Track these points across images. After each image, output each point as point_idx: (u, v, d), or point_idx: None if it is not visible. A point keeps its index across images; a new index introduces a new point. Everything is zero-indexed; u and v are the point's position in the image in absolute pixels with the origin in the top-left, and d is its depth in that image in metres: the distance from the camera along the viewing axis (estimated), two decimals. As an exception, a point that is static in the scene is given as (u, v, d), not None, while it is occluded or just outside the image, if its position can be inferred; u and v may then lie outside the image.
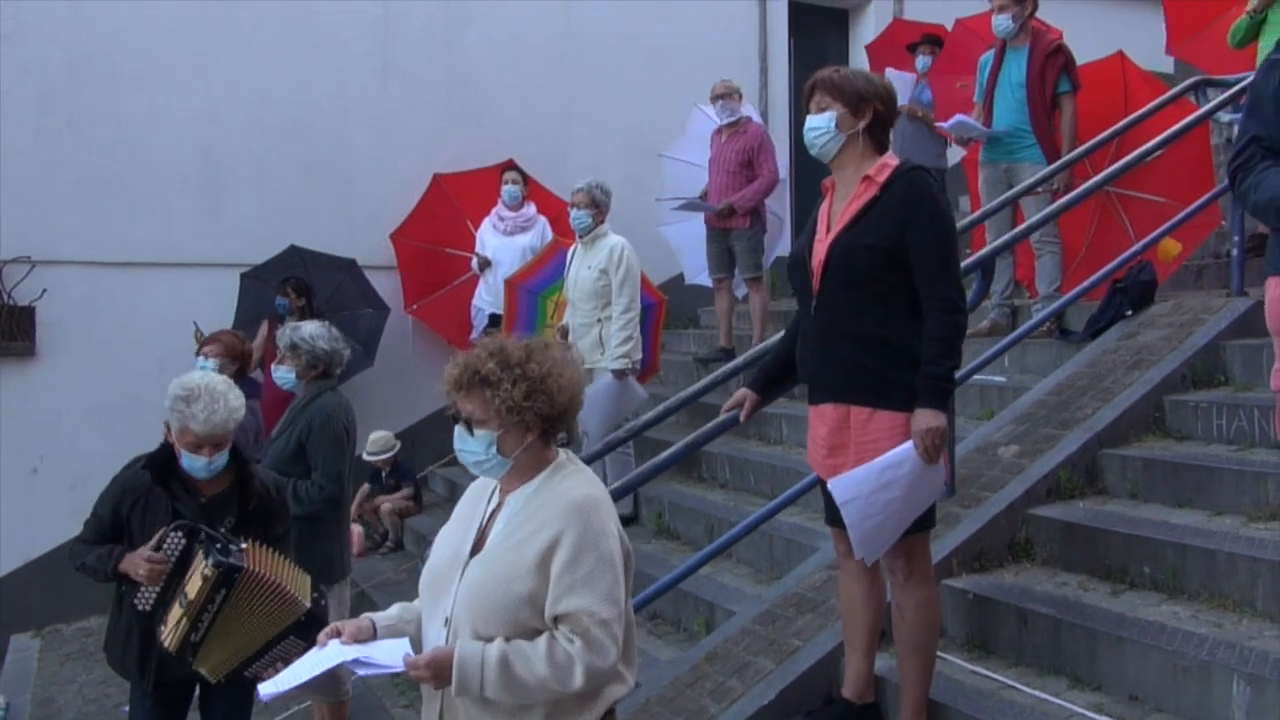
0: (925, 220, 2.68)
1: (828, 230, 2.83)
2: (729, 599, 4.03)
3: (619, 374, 4.95)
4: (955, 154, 7.03)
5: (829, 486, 2.72)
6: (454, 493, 6.86)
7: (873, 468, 2.60)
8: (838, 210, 2.84)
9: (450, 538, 2.16)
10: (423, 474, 7.02)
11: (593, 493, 2.03)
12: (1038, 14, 6.30)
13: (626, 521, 5.22)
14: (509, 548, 2.01)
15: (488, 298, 6.84)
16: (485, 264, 6.80)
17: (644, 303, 5.45)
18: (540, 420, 2.03)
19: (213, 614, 2.72)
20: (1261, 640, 2.76)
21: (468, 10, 7.31)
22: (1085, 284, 4.80)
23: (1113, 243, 5.35)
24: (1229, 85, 4.91)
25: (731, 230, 6.37)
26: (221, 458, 2.93)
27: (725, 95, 6.24)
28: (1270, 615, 2.90)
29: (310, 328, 3.94)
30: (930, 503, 2.71)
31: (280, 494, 3.15)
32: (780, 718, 3.15)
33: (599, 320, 5.06)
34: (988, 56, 5.47)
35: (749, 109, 6.51)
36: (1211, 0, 5.93)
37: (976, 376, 4.63)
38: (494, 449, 2.04)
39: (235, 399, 2.91)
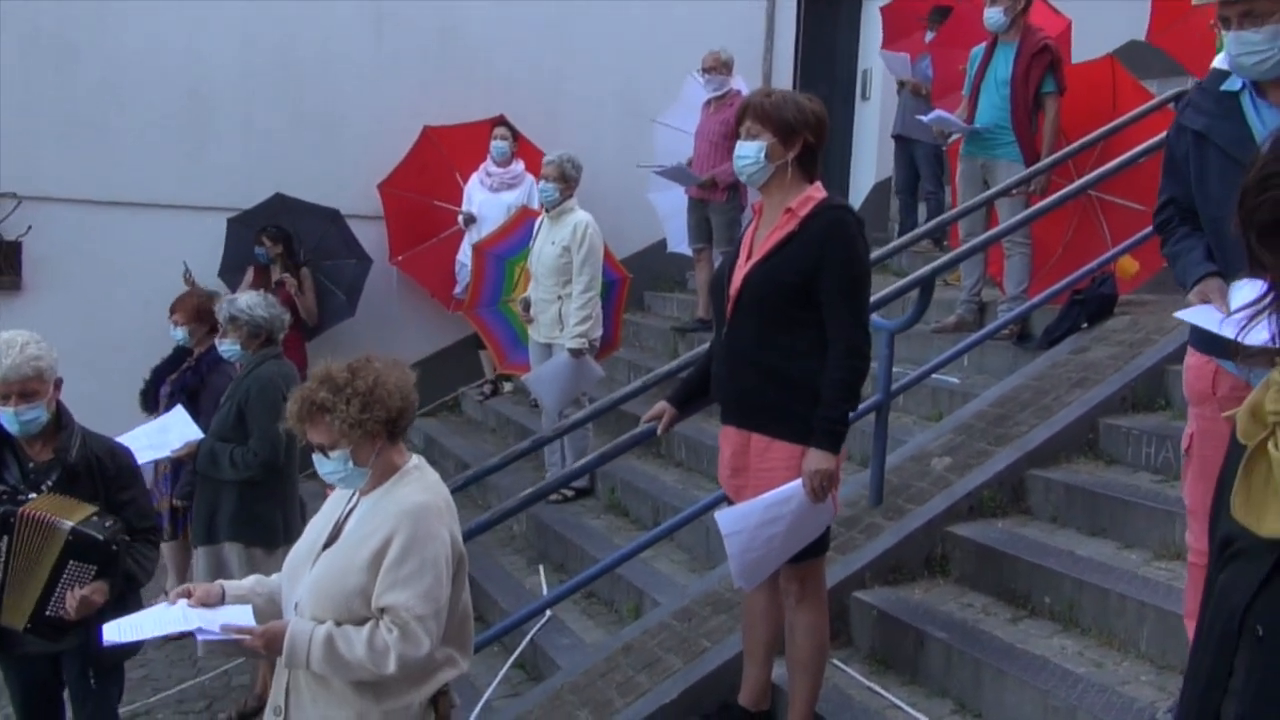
0: (838, 261, 2.71)
1: (748, 257, 2.87)
2: (659, 587, 4.16)
3: (575, 352, 5.01)
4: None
5: (715, 516, 2.81)
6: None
7: (759, 503, 2.68)
8: (760, 237, 2.87)
9: (313, 529, 2.41)
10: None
11: (426, 500, 2.26)
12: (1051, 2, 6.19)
13: (582, 494, 5.40)
14: (350, 545, 2.25)
15: (471, 254, 6.88)
16: (470, 220, 6.84)
17: (608, 279, 5.49)
18: (382, 426, 2.25)
19: (3, 563, 2.79)
20: (1135, 685, 2.85)
21: (464, -44, 7.21)
22: (1047, 292, 4.80)
23: (1090, 246, 5.30)
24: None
25: (709, 203, 6.37)
26: (32, 411, 2.89)
27: (713, 68, 6.19)
28: (1151, 658, 2.98)
29: (246, 298, 4.04)
30: (814, 537, 2.78)
31: (116, 459, 3.13)
32: (679, 717, 3.28)
33: (559, 297, 5.11)
34: (979, 50, 5.37)
35: (738, 81, 6.44)
36: (1194, -11, 5.74)
37: (934, 376, 4.68)
38: (350, 463, 2.26)
39: (36, 349, 2.89)
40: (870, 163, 8.88)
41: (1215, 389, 2.45)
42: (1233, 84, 2.34)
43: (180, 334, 4.70)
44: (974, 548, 3.61)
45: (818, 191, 2.82)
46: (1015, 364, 4.85)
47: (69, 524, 2.83)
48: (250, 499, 3.95)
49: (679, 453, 5.41)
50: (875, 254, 4.19)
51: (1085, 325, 4.72)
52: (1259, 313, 1.11)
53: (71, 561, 2.83)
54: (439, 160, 7.11)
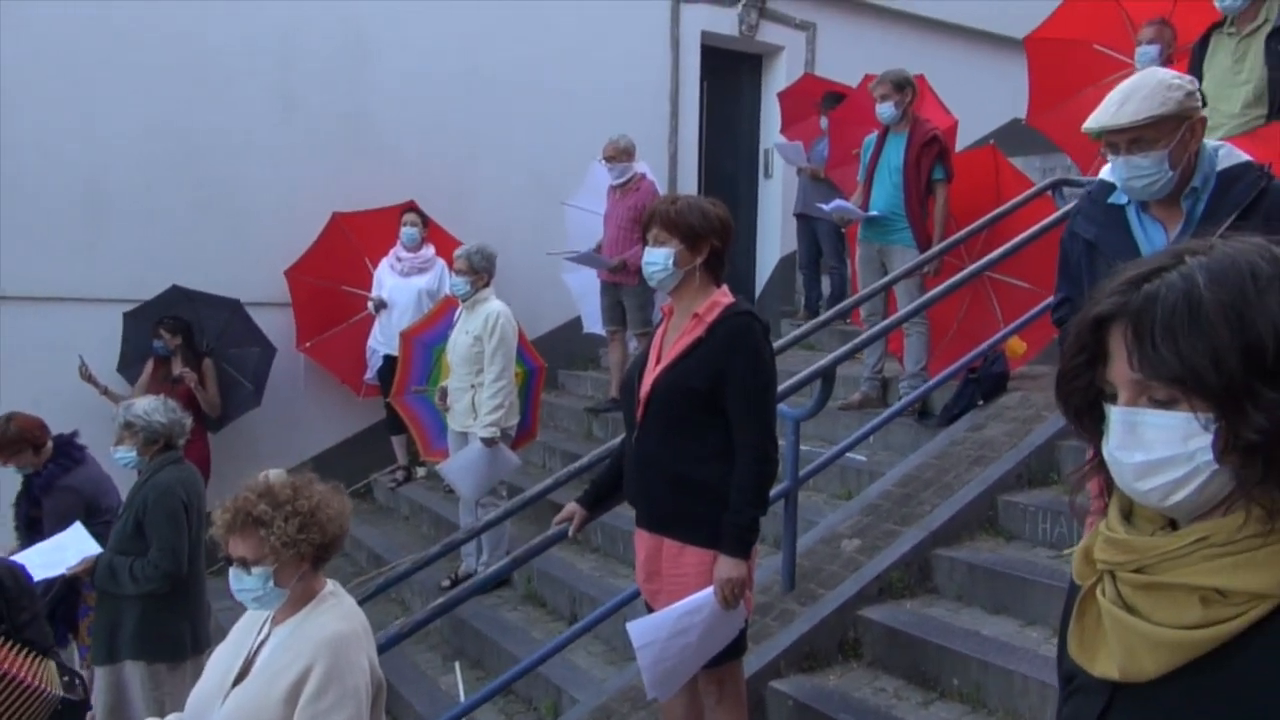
0: (743, 367, 2.77)
1: (657, 361, 2.93)
2: (577, 683, 4.12)
3: (488, 441, 5.00)
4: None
5: (627, 628, 2.82)
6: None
7: (670, 614, 2.71)
8: (669, 341, 2.93)
9: (220, 663, 2.35)
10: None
11: (345, 629, 2.24)
12: (940, 98, 6.57)
13: (500, 584, 5.34)
14: (265, 680, 2.19)
15: (381, 339, 6.86)
16: (381, 305, 6.82)
17: (529, 367, 5.53)
18: (313, 550, 2.25)
19: None
20: (1040, 768, 2.95)
21: (371, 45, 7.25)
22: (945, 373, 4.97)
23: (983, 321, 5.56)
24: (1083, 186, 5.14)
25: (622, 286, 6.48)
26: None
27: (614, 157, 6.37)
28: (1055, 738, 3.07)
29: (144, 403, 3.93)
30: (728, 641, 2.81)
31: (17, 579, 3.06)
32: (600, 822, 3.25)
33: (473, 386, 5.12)
34: (871, 139, 5.65)
35: (641, 165, 6.62)
36: (1069, 77, 6.20)
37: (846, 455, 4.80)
38: (270, 583, 2.24)
39: None
40: (775, 238, 9.18)
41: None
42: (1119, 197, 2.51)
43: (14, 469, 4.57)
44: (884, 631, 3.69)
45: (724, 296, 2.90)
46: (917, 440, 5.03)
47: (59, 694, 2.75)
48: (154, 612, 3.79)
49: (595, 538, 5.41)
50: (781, 341, 4.35)
51: (981, 402, 4.93)
52: (1085, 476, 1.19)
53: None
54: (348, 246, 7.08)
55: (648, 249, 2.92)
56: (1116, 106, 2.41)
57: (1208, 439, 1.02)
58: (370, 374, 7.02)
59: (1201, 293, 1.02)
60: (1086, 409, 1.15)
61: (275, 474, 2.34)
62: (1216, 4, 4.00)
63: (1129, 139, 2.39)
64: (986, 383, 4.93)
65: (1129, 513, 1.14)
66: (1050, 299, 4.96)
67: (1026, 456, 4.33)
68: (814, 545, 4.23)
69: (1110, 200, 2.54)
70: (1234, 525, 1.03)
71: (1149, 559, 1.07)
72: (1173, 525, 1.10)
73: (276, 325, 6.83)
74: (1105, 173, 2.64)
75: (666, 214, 2.89)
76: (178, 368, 6.29)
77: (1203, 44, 4.12)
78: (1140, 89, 2.40)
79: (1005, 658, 3.33)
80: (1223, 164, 2.42)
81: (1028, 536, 4.07)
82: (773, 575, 4.06)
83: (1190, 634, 1.03)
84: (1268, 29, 3.91)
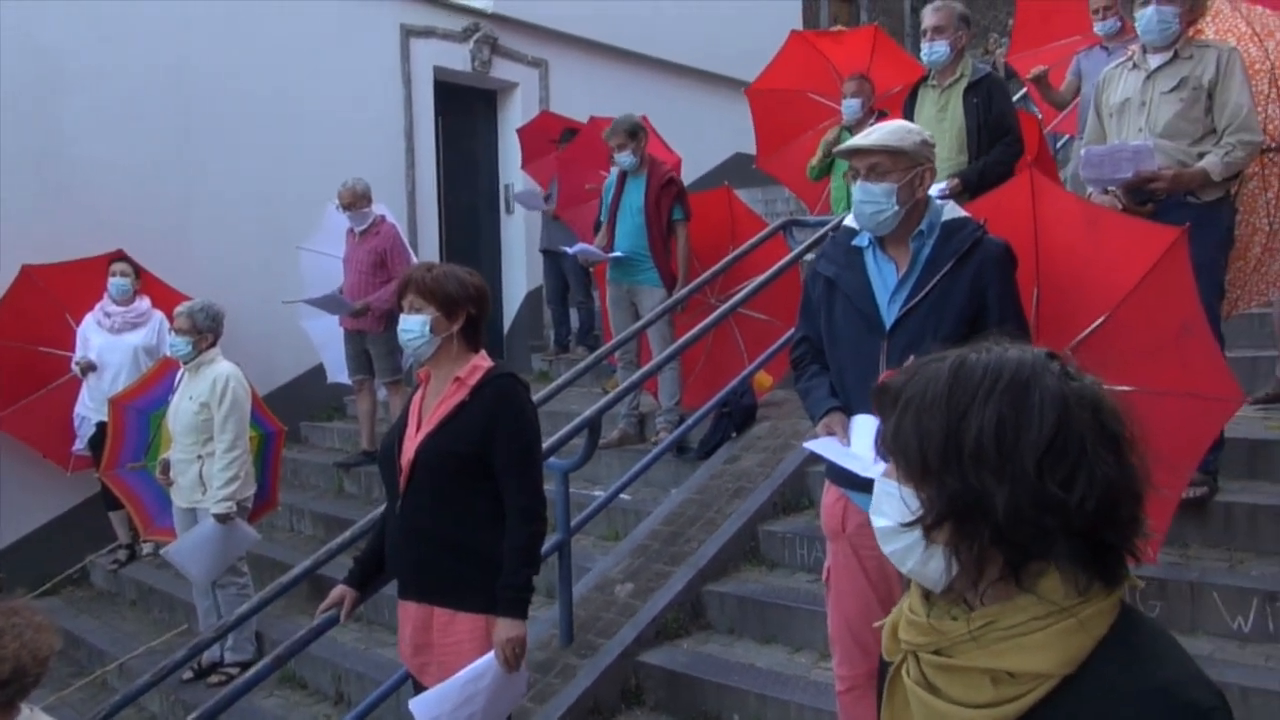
0: (509, 429, 2.74)
1: (418, 428, 2.82)
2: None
3: (222, 518, 4.57)
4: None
5: (409, 706, 2.68)
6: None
7: (454, 685, 2.62)
8: (429, 407, 2.84)
9: None
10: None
11: None
12: (661, 137, 6.82)
13: (247, 667, 4.87)
14: None
15: (92, 404, 6.11)
16: (89, 367, 6.09)
17: (264, 430, 5.12)
18: None
19: None
20: (821, 794, 3.08)
21: (61, 72, 6.48)
22: (702, 410, 5.10)
23: (729, 353, 5.81)
24: (810, 226, 5.54)
25: (366, 334, 6.20)
26: None
27: (351, 204, 6.10)
28: (830, 762, 3.23)
29: None
30: (513, 707, 2.76)
31: None
32: None
33: (200, 456, 4.66)
34: (611, 179, 5.77)
35: (380, 207, 6.38)
36: (789, 123, 6.69)
37: (598, 491, 4.81)
38: None
39: None
40: (520, 273, 9.15)
41: (845, 526, 2.73)
42: (861, 240, 2.69)
43: None
44: (664, 675, 3.73)
45: (484, 360, 2.86)
46: (677, 475, 5.16)
47: None
48: None
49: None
50: (543, 392, 4.32)
51: (735, 434, 5.14)
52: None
53: None
54: (44, 302, 6.26)
55: (403, 316, 2.86)
56: (865, 135, 2.66)
57: (912, 515, 1.11)
58: (80, 444, 6.23)
59: (936, 383, 1.12)
60: None
61: None
62: (923, 58, 4.43)
63: (868, 164, 2.61)
64: (738, 415, 5.15)
65: (929, 592, 1.19)
66: (790, 332, 5.35)
67: (780, 485, 4.55)
68: (588, 593, 4.21)
69: (853, 243, 2.72)
70: (1017, 609, 1.10)
71: (945, 642, 1.13)
72: (967, 605, 1.16)
73: (-44, 397, 5.91)
74: (849, 220, 2.81)
75: (422, 281, 2.84)
76: None
77: (912, 97, 4.54)
78: (888, 126, 2.68)
79: (780, 688, 3.46)
80: (946, 216, 2.67)
81: (788, 563, 4.27)
82: (550, 630, 3.99)
83: (983, 712, 1.11)
84: (965, 83, 4.37)
